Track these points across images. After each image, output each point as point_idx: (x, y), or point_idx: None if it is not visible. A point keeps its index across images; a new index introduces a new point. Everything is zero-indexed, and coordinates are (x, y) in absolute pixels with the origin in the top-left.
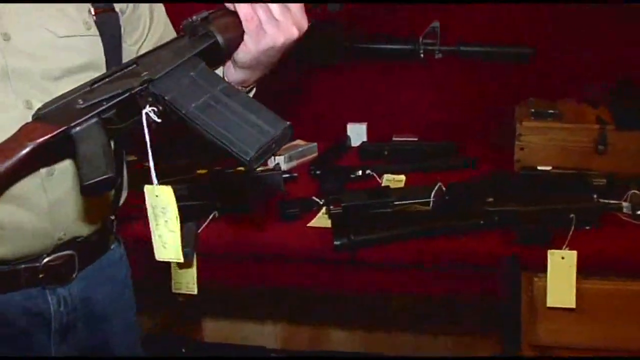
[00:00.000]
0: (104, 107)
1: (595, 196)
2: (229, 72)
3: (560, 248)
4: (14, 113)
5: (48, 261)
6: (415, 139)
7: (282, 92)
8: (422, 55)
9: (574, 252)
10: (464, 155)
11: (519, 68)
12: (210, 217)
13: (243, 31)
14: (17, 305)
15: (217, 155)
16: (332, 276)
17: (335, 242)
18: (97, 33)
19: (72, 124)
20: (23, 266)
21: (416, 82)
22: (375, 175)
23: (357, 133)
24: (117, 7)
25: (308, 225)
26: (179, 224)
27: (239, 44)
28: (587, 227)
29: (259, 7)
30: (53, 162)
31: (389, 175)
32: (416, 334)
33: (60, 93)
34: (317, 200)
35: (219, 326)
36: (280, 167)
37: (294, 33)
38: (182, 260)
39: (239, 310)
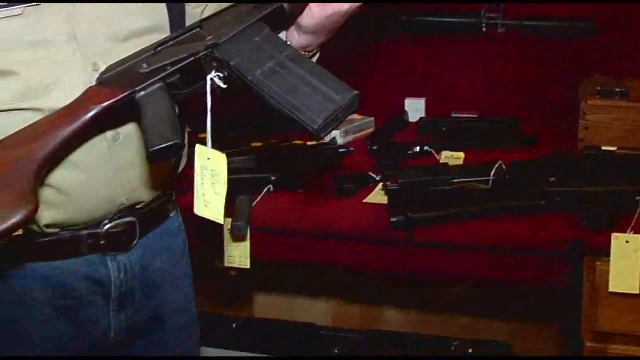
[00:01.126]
0: (168, 72)
1: None
2: (293, 37)
3: (624, 232)
4: (81, 75)
5: (109, 228)
6: (475, 116)
7: (340, 65)
8: (484, 29)
9: (639, 237)
10: (525, 133)
11: (583, 44)
12: (265, 191)
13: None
14: (79, 272)
15: (273, 128)
16: (386, 254)
17: (392, 219)
18: None
19: (137, 89)
20: (85, 232)
21: (477, 57)
22: (433, 152)
23: (415, 108)
24: None
25: (364, 201)
26: (226, 189)
27: (304, 9)
28: None
29: None
30: (117, 126)
31: (448, 152)
32: (471, 318)
33: (125, 55)
34: (373, 176)
35: (270, 302)
36: (336, 142)
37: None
38: (221, 221)
39: (290, 287)
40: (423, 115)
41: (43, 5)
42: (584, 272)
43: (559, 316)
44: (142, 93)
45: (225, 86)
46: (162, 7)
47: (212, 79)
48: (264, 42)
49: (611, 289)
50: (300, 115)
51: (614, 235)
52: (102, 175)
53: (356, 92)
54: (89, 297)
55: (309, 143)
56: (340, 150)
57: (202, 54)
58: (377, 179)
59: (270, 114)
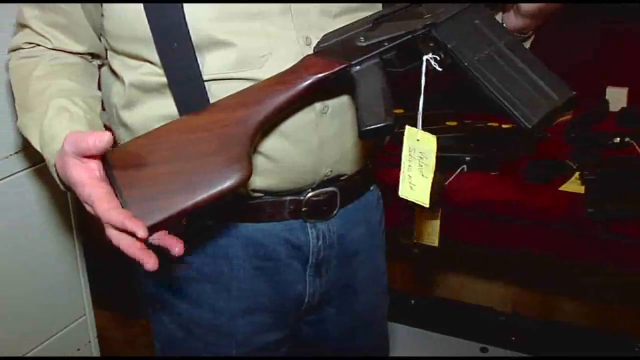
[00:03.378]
0: (385, 48)
1: None
2: (509, 19)
3: None
4: (294, 48)
5: (311, 196)
6: None
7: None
8: None
9: None
10: None
11: None
12: (458, 170)
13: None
14: (280, 236)
15: (469, 107)
16: (580, 245)
17: (589, 210)
18: None
19: (353, 62)
20: (288, 198)
21: None
22: (634, 144)
23: (616, 98)
24: None
25: (559, 189)
26: (433, 173)
27: None
28: None
29: None
30: (328, 98)
31: None
32: None
33: None
34: (570, 163)
35: (451, 282)
36: None
37: None
38: (427, 205)
39: (473, 269)
40: (624, 105)
41: None
42: None
43: None
44: (358, 67)
45: (440, 69)
46: None
47: (427, 60)
48: (483, 25)
49: None
50: (515, 110)
51: None
52: (308, 146)
53: (574, 93)
54: (287, 260)
55: (505, 125)
56: (537, 136)
57: (419, 32)
58: (574, 167)
59: (467, 94)
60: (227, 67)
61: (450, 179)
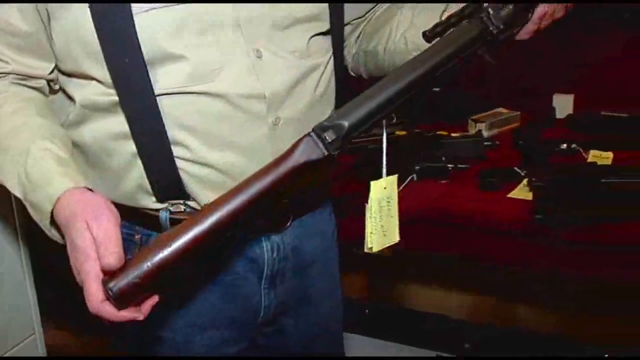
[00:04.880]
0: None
1: None
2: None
3: None
4: (245, 61)
5: None
6: (626, 115)
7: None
8: None
9: None
10: None
11: None
12: (409, 180)
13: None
14: (236, 250)
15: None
16: (528, 251)
17: (537, 216)
18: None
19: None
20: None
21: (631, 53)
22: (580, 150)
23: (563, 105)
24: None
25: (508, 195)
26: (397, 208)
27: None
28: None
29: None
30: (280, 110)
31: (596, 151)
32: (617, 324)
33: (287, 42)
34: (518, 170)
35: (405, 291)
36: (482, 134)
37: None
38: (398, 240)
39: (427, 277)
40: (571, 112)
41: None
42: None
43: None
44: None
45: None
46: None
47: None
48: None
49: None
50: None
51: None
52: (262, 159)
53: None
54: (244, 273)
55: (454, 134)
56: (486, 143)
57: None
58: (522, 174)
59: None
60: (180, 81)
61: (401, 188)
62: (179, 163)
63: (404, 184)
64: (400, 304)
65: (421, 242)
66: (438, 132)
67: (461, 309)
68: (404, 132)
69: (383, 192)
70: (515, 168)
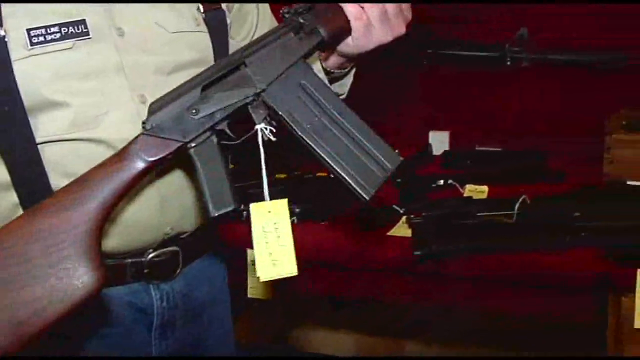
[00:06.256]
0: (217, 120)
1: None
2: (329, 61)
3: None
4: (129, 107)
5: (153, 256)
6: (499, 149)
7: (363, 97)
8: (508, 62)
9: None
10: (550, 167)
11: (610, 77)
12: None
13: (349, 27)
14: (122, 300)
15: (297, 160)
16: (410, 286)
17: (415, 252)
18: (206, 30)
19: (188, 140)
20: (129, 260)
21: (501, 90)
22: (457, 185)
23: (439, 141)
24: (224, 5)
25: (388, 234)
26: (291, 237)
27: (344, 38)
28: None
29: (372, 6)
30: (168, 172)
31: (471, 185)
32: (494, 351)
33: (171, 88)
34: (397, 209)
35: (294, 333)
36: None
37: (403, 30)
38: (295, 273)
39: (313, 319)
40: (447, 148)
41: (93, 38)
42: (609, 308)
43: (584, 351)
44: (194, 144)
45: (274, 139)
46: (207, 40)
47: (262, 129)
48: (310, 85)
49: (636, 325)
50: (353, 185)
51: None
52: (149, 205)
53: (402, 159)
54: (131, 325)
55: (333, 175)
56: None
57: (250, 98)
58: (401, 211)
59: (296, 148)
60: (63, 128)
61: None
62: None
63: None
64: (292, 347)
65: (304, 285)
66: (318, 174)
67: (350, 347)
68: (283, 175)
69: (267, 216)
70: (394, 206)
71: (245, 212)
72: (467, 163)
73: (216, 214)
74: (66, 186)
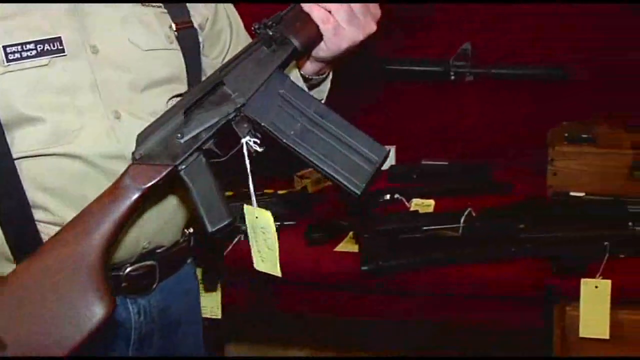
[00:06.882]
0: (203, 140)
1: (630, 223)
2: (306, 68)
3: (594, 277)
4: (104, 122)
5: (130, 271)
6: (445, 163)
7: None
8: (452, 77)
9: (608, 282)
10: (495, 180)
11: (552, 90)
12: (235, 240)
13: (319, 32)
14: None
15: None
16: (358, 302)
17: (363, 267)
18: (178, 47)
19: (177, 162)
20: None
21: (446, 104)
22: (403, 199)
23: None
24: (196, 24)
25: (335, 249)
26: (277, 243)
27: (317, 43)
28: (622, 256)
29: (338, 7)
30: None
31: (418, 199)
32: None
33: (145, 104)
34: (344, 224)
35: (243, 351)
36: (307, 189)
37: (373, 28)
38: (278, 274)
39: (262, 336)
40: (393, 162)
41: (68, 55)
42: (554, 318)
43: None
44: (184, 166)
45: (260, 149)
46: (180, 57)
47: (247, 143)
48: (289, 94)
49: (581, 334)
50: (342, 180)
51: (583, 280)
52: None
53: (388, 149)
54: (110, 339)
55: (280, 192)
56: (311, 198)
57: (231, 115)
58: (348, 227)
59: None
60: (39, 143)
61: (229, 249)
62: (40, 227)
63: (231, 245)
64: None
65: (251, 302)
66: (265, 191)
67: None
68: (231, 193)
69: (256, 220)
70: (341, 221)
71: (244, 228)
72: (413, 177)
73: (213, 230)
74: (69, 222)
